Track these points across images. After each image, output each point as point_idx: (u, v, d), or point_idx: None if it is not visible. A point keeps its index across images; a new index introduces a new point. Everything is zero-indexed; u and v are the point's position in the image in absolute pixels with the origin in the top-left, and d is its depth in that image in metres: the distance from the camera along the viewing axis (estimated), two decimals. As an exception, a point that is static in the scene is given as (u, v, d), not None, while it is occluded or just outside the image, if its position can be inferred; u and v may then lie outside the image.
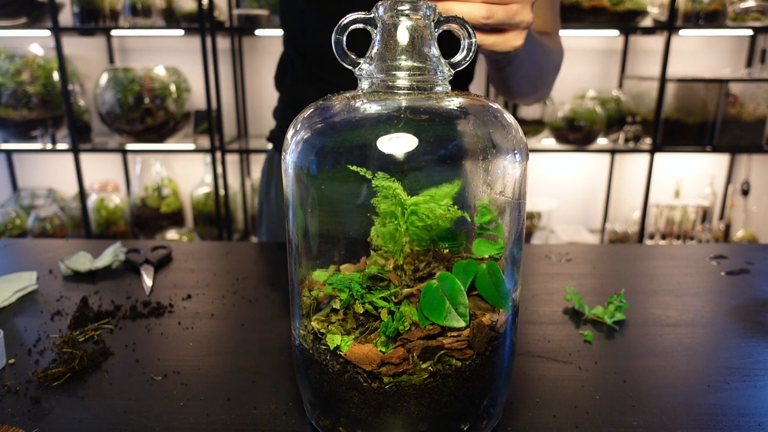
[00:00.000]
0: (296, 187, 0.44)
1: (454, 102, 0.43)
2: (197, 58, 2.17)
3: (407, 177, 0.41)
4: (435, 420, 0.44)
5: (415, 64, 0.43)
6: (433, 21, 0.44)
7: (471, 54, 0.45)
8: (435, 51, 0.44)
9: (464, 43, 0.45)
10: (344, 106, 0.44)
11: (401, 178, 0.41)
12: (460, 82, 0.98)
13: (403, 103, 0.42)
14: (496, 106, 0.45)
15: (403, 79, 0.43)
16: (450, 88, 0.45)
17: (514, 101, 0.93)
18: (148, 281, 0.83)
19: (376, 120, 0.42)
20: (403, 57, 0.43)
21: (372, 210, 0.44)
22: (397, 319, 0.41)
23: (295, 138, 0.44)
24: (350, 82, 0.48)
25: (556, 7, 0.91)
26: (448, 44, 0.59)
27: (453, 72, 0.45)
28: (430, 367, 0.42)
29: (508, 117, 0.45)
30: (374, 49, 0.44)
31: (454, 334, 0.42)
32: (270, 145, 1.13)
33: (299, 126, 0.44)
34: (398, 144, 0.40)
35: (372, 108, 0.43)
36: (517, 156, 0.44)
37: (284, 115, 1.05)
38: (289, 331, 0.67)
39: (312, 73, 0.97)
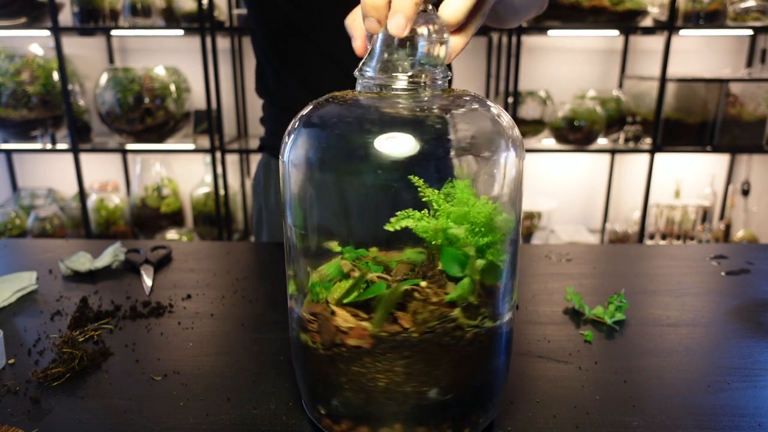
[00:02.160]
0: (294, 186, 0.44)
1: (452, 101, 0.43)
2: (197, 58, 2.17)
3: (405, 176, 0.41)
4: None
5: (415, 63, 0.43)
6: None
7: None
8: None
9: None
10: (342, 105, 0.44)
11: (399, 177, 0.41)
12: None
13: (402, 103, 0.42)
14: (493, 105, 0.45)
15: (401, 79, 0.43)
16: (448, 86, 0.45)
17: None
18: (148, 281, 0.82)
19: (374, 119, 0.42)
20: (403, 56, 0.43)
21: (366, 209, 0.44)
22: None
23: (292, 137, 0.44)
24: (333, 73, 0.47)
25: None
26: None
27: (451, 71, 0.45)
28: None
29: (505, 116, 0.45)
30: (372, 49, 0.44)
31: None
32: (261, 152, 1.12)
33: (297, 125, 0.44)
34: (396, 143, 0.40)
35: (370, 108, 0.43)
36: (513, 154, 0.44)
37: (277, 118, 1.05)
38: (289, 332, 0.67)
39: (294, 70, 0.96)
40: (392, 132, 0.40)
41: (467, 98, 0.44)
